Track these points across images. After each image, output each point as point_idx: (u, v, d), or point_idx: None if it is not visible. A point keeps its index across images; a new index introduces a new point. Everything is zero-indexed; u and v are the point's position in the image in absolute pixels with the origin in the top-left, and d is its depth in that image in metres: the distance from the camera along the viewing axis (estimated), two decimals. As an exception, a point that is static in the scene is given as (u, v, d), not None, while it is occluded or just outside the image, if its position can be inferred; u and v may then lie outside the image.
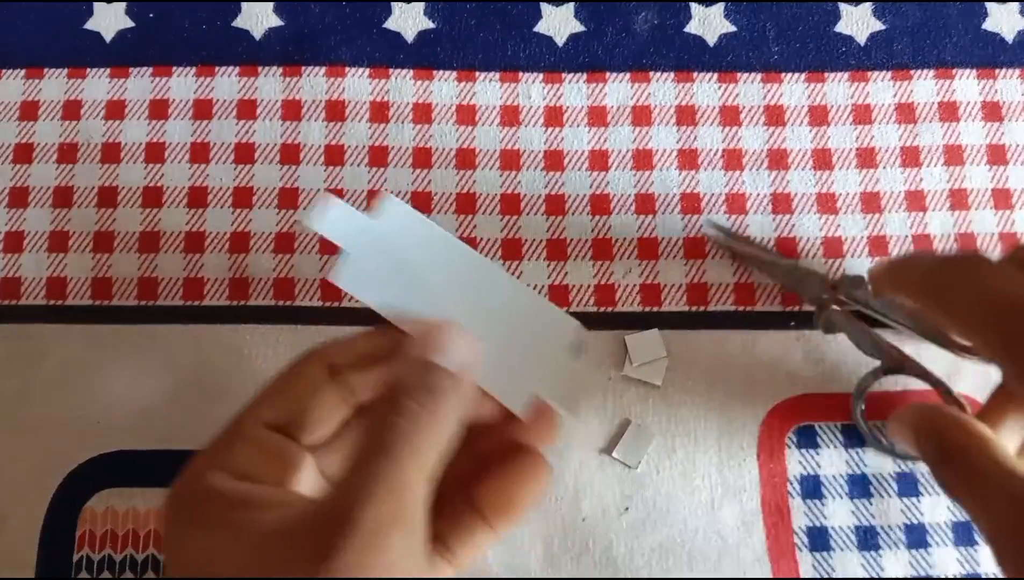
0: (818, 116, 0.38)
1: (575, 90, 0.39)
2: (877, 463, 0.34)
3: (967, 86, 0.39)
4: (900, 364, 0.33)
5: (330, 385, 0.26)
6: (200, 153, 0.38)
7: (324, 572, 0.20)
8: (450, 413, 0.23)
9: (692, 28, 0.40)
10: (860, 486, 0.34)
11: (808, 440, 0.34)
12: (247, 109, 0.38)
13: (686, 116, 0.38)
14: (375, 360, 0.26)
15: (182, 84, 0.39)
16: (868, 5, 0.40)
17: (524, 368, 0.25)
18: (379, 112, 0.38)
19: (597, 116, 0.38)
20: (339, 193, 0.37)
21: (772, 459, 0.34)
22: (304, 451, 0.25)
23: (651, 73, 0.39)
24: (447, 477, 0.24)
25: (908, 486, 0.34)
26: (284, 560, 0.21)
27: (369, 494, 0.21)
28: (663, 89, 0.39)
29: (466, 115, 0.38)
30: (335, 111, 0.38)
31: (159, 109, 0.38)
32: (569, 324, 0.26)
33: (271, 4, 0.40)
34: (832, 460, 0.34)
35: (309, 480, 0.25)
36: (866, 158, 0.38)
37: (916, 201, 0.37)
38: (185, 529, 0.23)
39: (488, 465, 0.26)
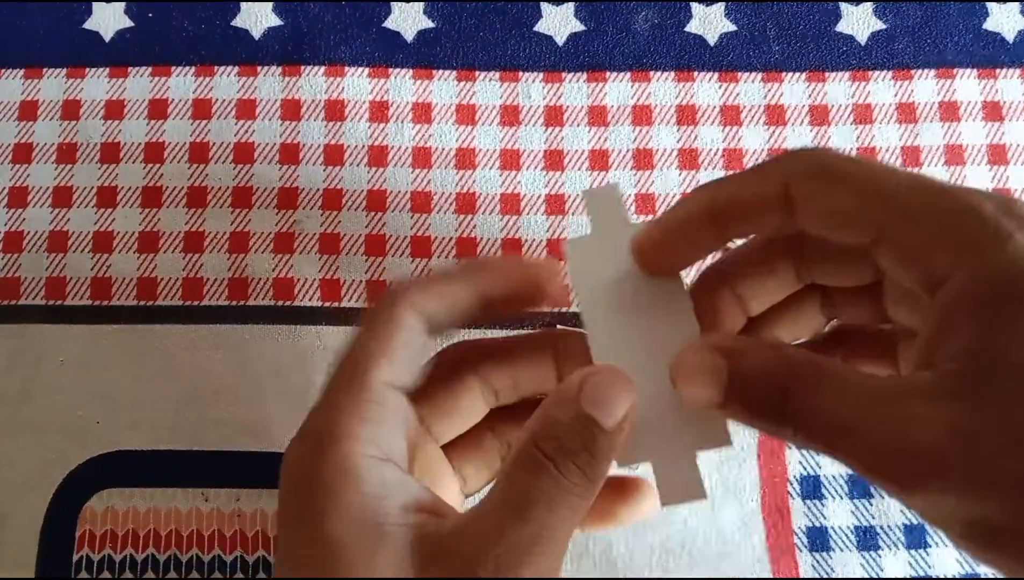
0: (819, 116, 0.38)
1: (575, 90, 0.39)
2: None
3: (968, 86, 0.39)
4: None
5: (424, 331, 0.24)
6: (199, 153, 0.38)
7: None
8: (603, 480, 0.23)
9: (692, 27, 0.40)
10: (860, 486, 0.34)
11: (808, 440, 0.34)
12: (246, 109, 0.38)
13: (686, 116, 0.38)
14: (460, 310, 0.25)
15: (181, 84, 0.39)
16: (869, 5, 0.40)
17: (654, 439, 0.24)
18: (378, 112, 0.38)
19: (597, 116, 0.38)
20: (338, 193, 0.37)
21: (772, 459, 0.34)
22: (420, 424, 0.25)
23: (651, 73, 0.39)
24: None
25: (908, 486, 0.34)
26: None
27: (535, 551, 0.21)
28: (663, 89, 0.39)
29: (466, 115, 0.38)
30: (334, 111, 0.38)
31: (158, 109, 0.38)
32: (718, 434, 0.24)
33: (270, 4, 0.40)
34: (832, 460, 0.34)
35: (427, 447, 0.25)
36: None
37: (916, 201, 0.37)
38: (320, 506, 0.22)
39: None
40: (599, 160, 0.38)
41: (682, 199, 0.24)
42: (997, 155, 0.38)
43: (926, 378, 0.19)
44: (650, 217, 0.37)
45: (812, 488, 0.34)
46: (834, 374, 0.21)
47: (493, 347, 0.27)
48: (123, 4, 0.40)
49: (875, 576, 0.33)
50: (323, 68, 0.39)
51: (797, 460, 0.34)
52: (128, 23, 0.40)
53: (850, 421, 0.20)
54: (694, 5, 0.40)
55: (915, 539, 0.33)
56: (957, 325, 0.19)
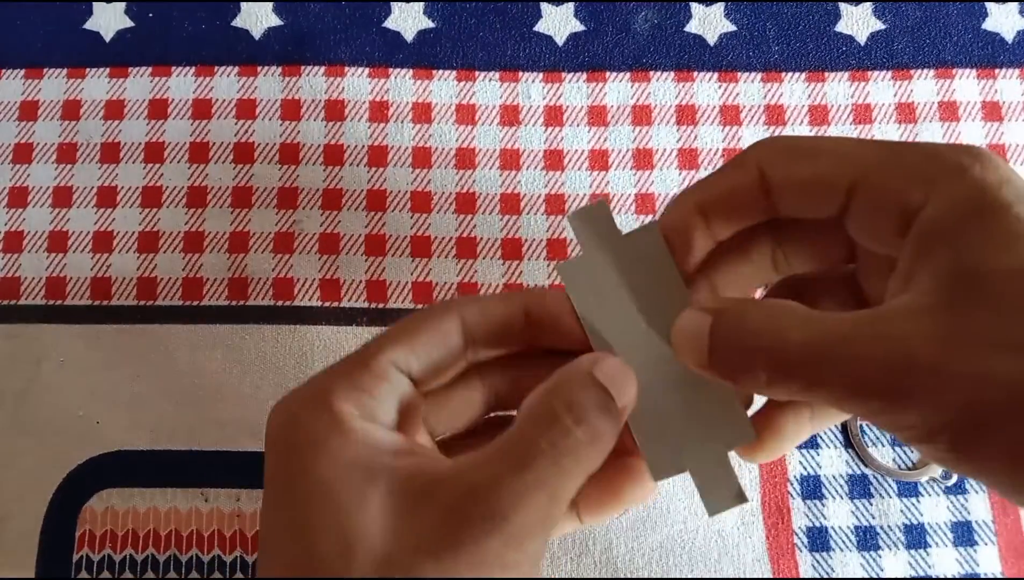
0: (818, 116, 0.38)
1: (575, 89, 0.39)
2: (878, 463, 0.34)
3: (967, 86, 0.39)
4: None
5: (459, 341, 0.25)
6: (199, 153, 0.38)
7: (467, 554, 0.20)
8: (609, 446, 0.23)
9: (692, 27, 0.40)
10: (860, 486, 0.34)
11: (808, 440, 0.34)
12: (246, 109, 0.38)
13: (686, 116, 0.38)
14: (506, 329, 0.25)
15: (181, 84, 0.39)
16: (868, 5, 0.40)
17: (681, 443, 0.24)
18: (378, 111, 0.38)
19: (597, 116, 0.38)
20: (338, 193, 0.37)
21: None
22: (423, 403, 0.25)
23: (651, 72, 0.39)
24: None
25: (908, 486, 0.34)
26: (424, 521, 0.21)
27: (530, 499, 0.21)
28: (663, 89, 0.39)
29: (466, 114, 0.38)
30: (334, 111, 0.38)
31: (158, 109, 0.38)
32: (743, 429, 0.24)
33: (270, 4, 0.40)
34: (832, 460, 0.34)
35: (422, 434, 0.25)
36: (866, 158, 0.38)
37: (916, 201, 0.37)
38: (308, 451, 0.22)
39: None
40: (599, 160, 0.38)
41: (668, 207, 0.25)
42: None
43: (906, 299, 0.20)
44: (649, 218, 0.37)
45: (812, 488, 0.34)
46: (810, 312, 0.21)
47: (479, 312, 0.27)
48: (123, 4, 0.40)
49: (875, 576, 0.33)
50: (323, 68, 0.39)
51: (797, 460, 0.34)
52: (128, 23, 0.40)
53: (832, 347, 0.20)
54: (694, 5, 0.40)
55: (915, 539, 0.33)
56: (931, 248, 0.20)
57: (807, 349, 0.20)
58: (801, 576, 0.33)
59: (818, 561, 0.33)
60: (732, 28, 0.40)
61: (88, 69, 0.39)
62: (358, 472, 0.22)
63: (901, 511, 0.34)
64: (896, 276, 0.22)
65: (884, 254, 0.23)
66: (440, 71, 0.39)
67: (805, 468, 0.34)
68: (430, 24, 0.40)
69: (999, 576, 0.33)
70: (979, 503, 0.34)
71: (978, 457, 0.19)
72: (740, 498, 0.24)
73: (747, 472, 0.34)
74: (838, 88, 0.39)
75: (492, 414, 0.28)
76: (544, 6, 0.40)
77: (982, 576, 0.33)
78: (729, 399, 0.24)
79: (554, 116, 0.38)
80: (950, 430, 0.19)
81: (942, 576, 0.33)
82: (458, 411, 0.27)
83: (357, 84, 0.39)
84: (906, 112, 0.38)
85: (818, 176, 0.23)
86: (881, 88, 0.39)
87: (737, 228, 0.25)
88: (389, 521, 0.21)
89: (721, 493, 0.24)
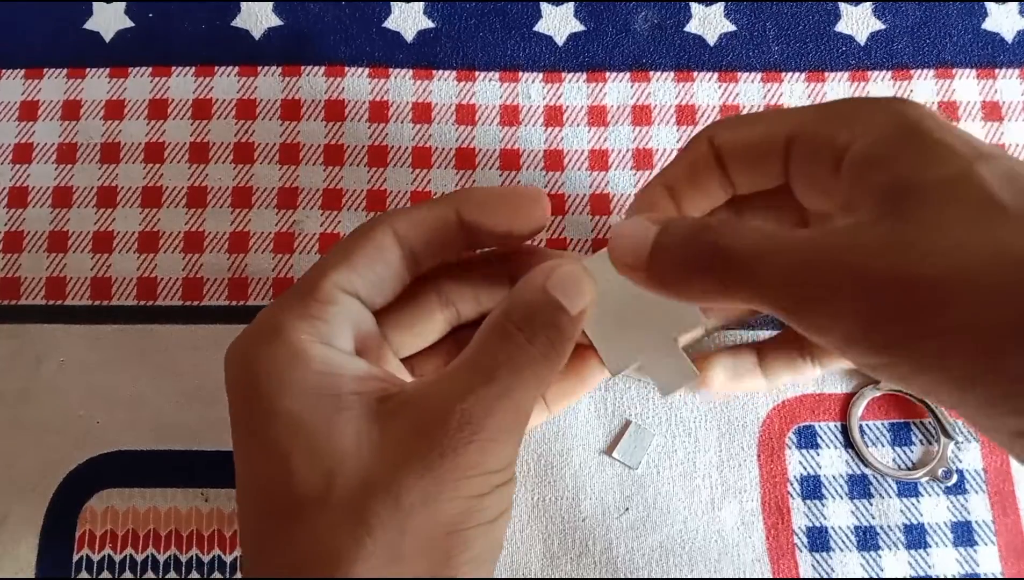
0: (818, 116, 0.38)
1: (575, 89, 0.39)
2: (877, 463, 0.34)
3: (967, 86, 0.39)
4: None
5: (398, 253, 0.26)
6: (199, 153, 0.38)
7: (449, 464, 0.21)
8: (565, 355, 0.24)
9: (692, 27, 0.40)
10: (860, 486, 0.34)
11: (808, 440, 0.34)
12: (246, 109, 0.38)
13: (686, 116, 0.38)
14: (441, 236, 0.26)
15: (181, 84, 0.39)
16: (868, 5, 0.40)
17: (635, 335, 0.27)
18: (378, 112, 0.38)
19: (597, 116, 0.38)
20: (338, 193, 0.37)
21: (772, 459, 0.34)
22: (374, 322, 0.26)
23: (651, 73, 0.39)
24: None
25: (908, 486, 0.34)
26: (400, 439, 0.22)
27: (498, 408, 0.22)
28: (663, 89, 0.39)
29: (466, 114, 0.38)
30: (334, 111, 0.38)
31: (158, 109, 0.38)
32: (694, 316, 0.27)
33: (270, 4, 0.40)
34: (832, 460, 0.34)
35: (386, 355, 0.26)
36: (866, 158, 0.38)
37: (916, 201, 0.37)
38: (271, 386, 0.23)
39: None
40: (599, 160, 0.38)
41: (639, 192, 0.27)
42: (996, 155, 0.38)
43: (847, 219, 0.21)
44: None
45: (812, 488, 0.34)
46: (756, 225, 0.23)
47: (451, 266, 0.28)
48: (123, 4, 0.40)
49: (875, 576, 0.33)
50: (323, 68, 0.39)
51: (797, 460, 0.34)
52: (128, 23, 0.40)
53: (780, 251, 0.21)
54: (694, 5, 0.40)
55: (915, 539, 0.33)
56: (864, 176, 0.21)
57: (753, 247, 0.21)
58: (801, 576, 0.33)
59: (818, 561, 0.33)
60: (732, 28, 0.40)
61: (88, 69, 0.39)
62: (325, 399, 0.22)
63: (901, 511, 0.34)
64: (837, 212, 0.23)
65: (829, 211, 0.24)
66: (440, 71, 0.39)
67: (805, 468, 0.34)
68: (430, 24, 0.40)
69: (999, 576, 0.33)
70: (979, 503, 0.34)
71: (914, 350, 0.19)
72: (690, 376, 0.26)
73: (747, 473, 0.34)
74: (838, 88, 0.39)
75: (458, 329, 0.29)
76: (544, 6, 0.40)
77: (982, 576, 0.33)
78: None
79: (554, 116, 0.38)
80: (883, 322, 0.19)
81: (942, 576, 0.33)
82: (421, 331, 0.28)
83: (357, 84, 0.39)
84: (906, 112, 0.38)
85: (758, 134, 0.25)
86: (881, 88, 0.39)
87: (704, 208, 0.27)
88: (365, 443, 0.22)
89: (672, 376, 0.27)
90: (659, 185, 0.27)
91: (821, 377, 0.35)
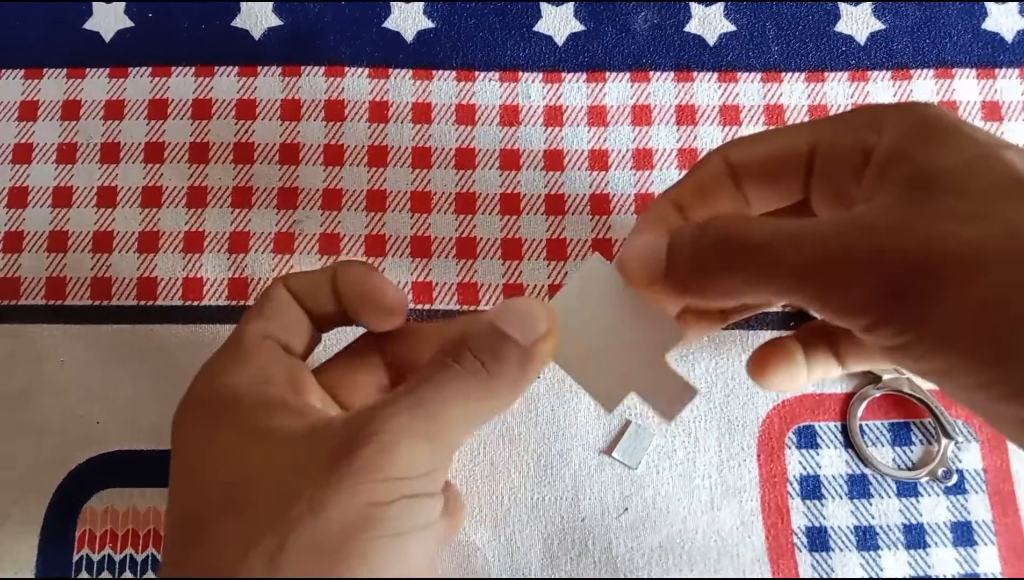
0: (818, 115, 0.38)
1: (575, 89, 0.39)
2: (877, 463, 0.34)
3: (967, 86, 0.39)
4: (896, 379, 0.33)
5: (298, 309, 0.27)
6: (199, 153, 0.38)
7: (343, 468, 0.21)
8: (511, 383, 0.24)
9: (692, 27, 0.40)
10: (860, 486, 0.34)
11: (808, 440, 0.34)
12: (246, 109, 0.38)
13: (686, 116, 0.38)
14: (320, 296, 0.27)
15: (181, 84, 0.39)
16: (868, 5, 0.40)
17: (621, 366, 0.26)
18: (378, 112, 0.38)
19: (597, 116, 0.38)
20: (338, 193, 0.37)
21: (772, 459, 0.34)
22: (305, 366, 0.27)
23: (651, 73, 0.39)
24: None
25: (908, 486, 0.34)
26: (311, 456, 0.22)
27: (406, 414, 0.22)
28: (663, 88, 0.39)
29: (466, 115, 0.38)
30: (334, 111, 0.38)
31: (158, 109, 0.38)
32: (674, 330, 0.26)
33: (270, 4, 0.40)
34: (832, 460, 0.34)
35: (318, 395, 0.26)
36: (866, 158, 0.38)
37: (916, 201, 0.37)
38: (208, 429, 0.24)
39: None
40: (599, 160, 0.38)
41: (638, 224, 0.27)
42: (996, 155, 0.38)
43: (867, 206, 0.22)
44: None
45: (812, 488, 0.34)
46: (768, 218, 0.23)
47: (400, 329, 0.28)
48: (123, 4, 0.40)
49: (875, 576, 0.33)
50: (323, 68, 0.39)
51: (797, 460, 0.34)
52: (128, 23, 0.40)
53: (795, 235, 0.21)
54: (693, 5, 0.40)
55: (914, 539, 0.33)
56: (887, 170, 0.21)
57: (775, 234, 0.21)
58: (801, 576, 0.33)
59: (818, 561, 0.33)
60: (732, 28, 0.40)
61: (88, 69, 0.39)
62: (251, 433, 0.23)
63: (900, 511, 0.34)
64: (859, 204, 0.23)
65: None
66: (440, 71, 0.39)
67: (805, 468, 0.34)
68: (430, 24, 0.40)
69: (999, 576, 0.33)
70: (979, 503, 0.34)
71: (934, 328, 0.19)
72: (689, 392, 0.25)
73: (747, 472, 0.34)
74: (838, 88, 0.39)
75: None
76: (544, 6, 0.40)
77: (982, 576, 0.33)
78: (651, 314, 0.26)
79: (554, 116, 0.38)
80: (904, 300, 0.19)
81: (942, 576, 0.33)
82: (364, 385, 0.28)
83: (357, 84, 0.39)
84: (906, 112, 0.38)
85: (777, 149, 0.25)
86: (881, 88, 0.39)
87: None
88: (277, 465, 0.22)
89: (671, 398, 0.25)
90: (666, 201, 0.27)
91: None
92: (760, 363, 0.30)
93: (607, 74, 0.39)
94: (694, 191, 0.26)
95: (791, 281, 0.21)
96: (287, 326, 0.26)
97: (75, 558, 0.33)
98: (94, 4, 0.40)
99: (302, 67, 0.39)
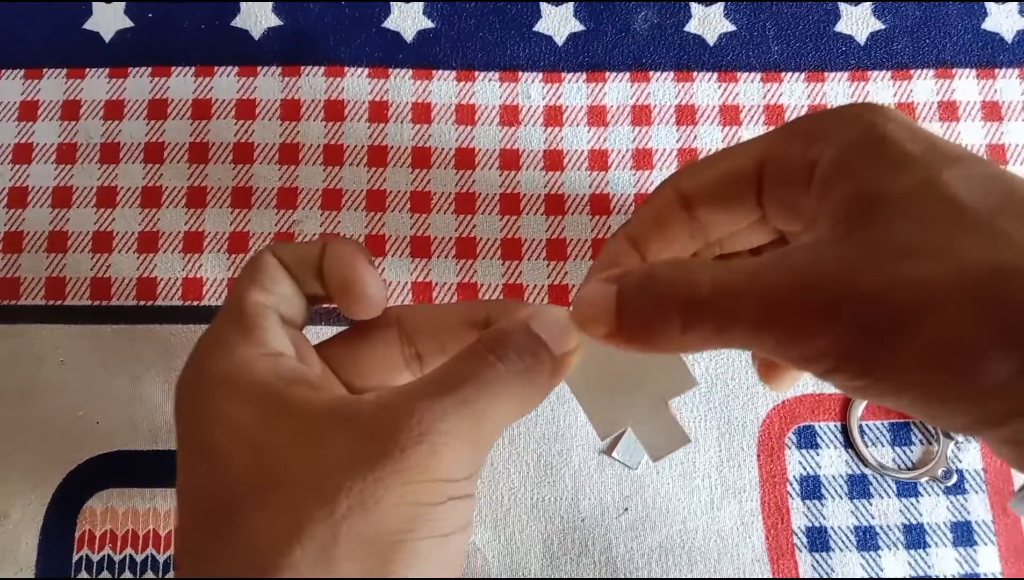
0: (818, 116, 0.38)
1: (575, 89, 0.39)
2: (877, 464, 0.34)
3: (967, 86, 0.39)
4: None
5: (288, 278, 0.26)
6: (199, 153, 0.38)
7: (394, 465, 0.20)
8: (542, 387, 0.23)
9: (692, 27, 0.40)
10: (859, 486, 0.34)
11: (808, 440, 0.34)
12: (246, 109, 0.38)
13: (686, 116, 0.38)
14: (313, 270, 0.26)
15: (181, 84, 0.39)
16: (868, 5, 0.40)
17: (624, 400, 0.26)
18: (378, 112, 0.38)
19: (597, 116, 0.38)
20: (338, 193, 0.37)
21: (772, 459, 0.34)
22: (306, 338, 0.26)
23: (651, 72, 0.39)
24: None
25: (907, 486, 0.34)
26: (345, 444, 0.21)
27: (454, 414, 0.21)
28: (663, 89, 0.39)
29: (465, 115, 0.38)
30: (334, 111, 0.38)
31: (158, 109, 0.38)
32: (685, 378, 0.25)
33: (270, 4, 0.40)
34: (832, 460, 0.34)
35: (320, 369, 0.26)
36: (866, 158, 0.38)
37: (916, 201, 0.37)
38: (223, 405, 0.22)
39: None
40: (599, 160, 0.38)
41: (595, 263, 0.26)
42: (996, 155, 0.38)
43: (809, 236, 0.21)
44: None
45: (812, 488, 0.34)
46: (715, 262, 0.22)
47: (418, 306, 0.28)
48: (123, 4, 0.40)
49: (875, 576, 0.33)
50: (323, 68, 0.39)
51: (797, 460, 0.34)
52: (128, 23, 0.40)
53: (741, 284, 0.20)
54: (693, 5, 0.40)
55: (914, 539, 0.33)
56: (829, 189, 0.21)
57: (718, 288, 0.20)
58: (801, 576, 0.33)
59: (818, 561, 0.33)
60: (732, 28, 0.40)
61: (88, 69, 0.39)
62: (271, 405, 0.22)
63: (900, 511, 0.34)
64: (805, 225, 0.22)
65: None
66: (440, 71, 0.39)
67: (804, 468, 0.34)
68: (430, 24, 0.40)
69: (999, 576, 0.33)
70: (979, 503, 0.34)
71: (892, 371, 0.19)
72: (682, 439, 0.25)
73: (746, 472, 0.34)
74: (838, 88, 0.39)
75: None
76: (544, 6, 0.40)
77: (982, 576, 0.33)
78: (666, 357, 0.25)
79: (554, 116, 0.38)
80: (861, 347, 0.19)
81: (942, 576, 0.33)
82: (378, 360, 0.27)
83: (357, 84, 0.39)
84: (906, 112, 0.38)
85: (725, 170, 0.24)
86: (881, 88, 0.39)
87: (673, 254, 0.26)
88: (309, 447, 0.21)
89: (663, 441, 0.25)
90: (622, 238, 0.26)
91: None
92: (770, 366, 0.29)
93: (607, 74, 0.39)
94: (648, 225, 0.26)
95: (744, 338, 0.20)
96: (283, 297, 0.26)
97: (75, 558, 0.33)
98: (94, 4, 0.40)
99: (302, 67, 0.39)
